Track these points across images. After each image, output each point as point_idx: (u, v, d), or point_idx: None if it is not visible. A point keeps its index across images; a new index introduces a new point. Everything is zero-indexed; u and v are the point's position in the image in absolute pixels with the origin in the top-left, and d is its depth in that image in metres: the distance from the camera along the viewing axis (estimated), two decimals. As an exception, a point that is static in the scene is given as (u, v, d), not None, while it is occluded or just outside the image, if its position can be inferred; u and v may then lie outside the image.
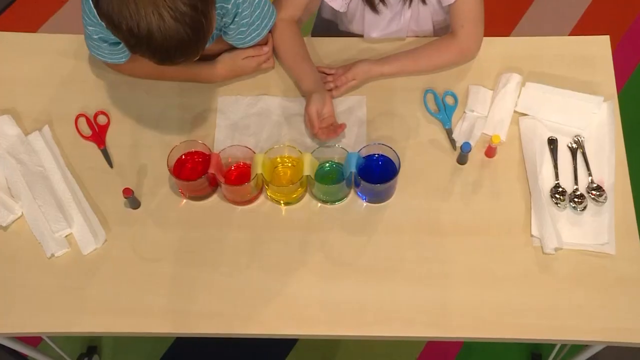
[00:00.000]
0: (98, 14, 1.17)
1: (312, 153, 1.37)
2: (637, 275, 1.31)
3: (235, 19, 1.40)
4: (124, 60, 1.46)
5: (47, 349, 1.92)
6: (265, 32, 1.47)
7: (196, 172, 1.40)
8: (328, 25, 1.71)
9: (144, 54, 1.17)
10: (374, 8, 1.52)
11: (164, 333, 1.31)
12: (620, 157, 1.43)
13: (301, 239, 1.37)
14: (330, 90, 1.49)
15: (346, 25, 1.64)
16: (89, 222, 1.38)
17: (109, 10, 1.13)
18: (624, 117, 1.47)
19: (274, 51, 1.55)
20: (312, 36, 1.72)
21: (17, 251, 1.37)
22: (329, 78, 1.51)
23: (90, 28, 1.36)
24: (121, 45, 1.41)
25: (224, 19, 1.40)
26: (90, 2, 1.28)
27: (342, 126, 1.41)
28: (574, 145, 1.45)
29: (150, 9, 1.10)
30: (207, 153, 1.39)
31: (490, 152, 1.44)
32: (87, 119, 1.51)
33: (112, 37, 1.36)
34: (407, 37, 1.60)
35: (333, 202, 1.41)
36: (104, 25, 1.17)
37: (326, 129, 1.42)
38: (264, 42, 1.51)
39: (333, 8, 1.56)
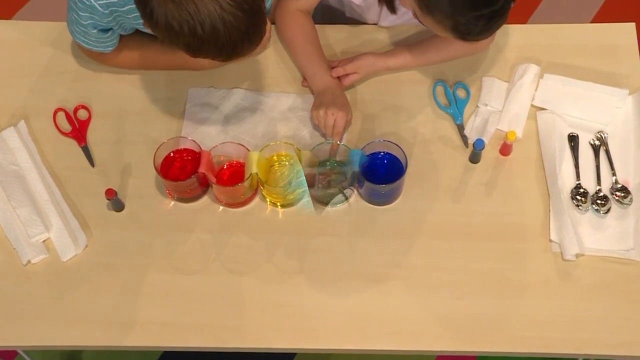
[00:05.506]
0: (152, 27, 1.18)
1: (311, 151, 1.37)
2: (665, 283, 1.31)
3: None
4: (110, 49, 1.46)
5: (23, 364, 1.93)
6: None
7: (185, 172, 1.40)
8: (330, 12, 1.70)
9: (208, 54, 1.19)
10: (393, 11, 1.51)
11: (150, 347, 1.31)
12: (647, 155, 1.43)
13: (299, 244, 1.37)
14: None
15: (359, 13, 1.62)
16: (69, 225, 1.38)
17: (167, 19, 1.14)
18: (650, 112, 1.47)
19: (285, 42, 1.55)
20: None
21: (-10, 257, 1.37)
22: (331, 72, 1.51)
23: (82, 13, 1.36)
24: (110, 33, 1.42)
25: None
26: None
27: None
28: (597, 142, 1.45)
29: (211, 5, 1.12)
30: (197, 151, 1.39)
31: (505, 149, 1.44)
32: (67, 114, 1.51)
33: (104, 23, 1.37)
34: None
35: (334, 204, 1.41)
36: (151, 28, 1.19)
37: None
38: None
39: None
